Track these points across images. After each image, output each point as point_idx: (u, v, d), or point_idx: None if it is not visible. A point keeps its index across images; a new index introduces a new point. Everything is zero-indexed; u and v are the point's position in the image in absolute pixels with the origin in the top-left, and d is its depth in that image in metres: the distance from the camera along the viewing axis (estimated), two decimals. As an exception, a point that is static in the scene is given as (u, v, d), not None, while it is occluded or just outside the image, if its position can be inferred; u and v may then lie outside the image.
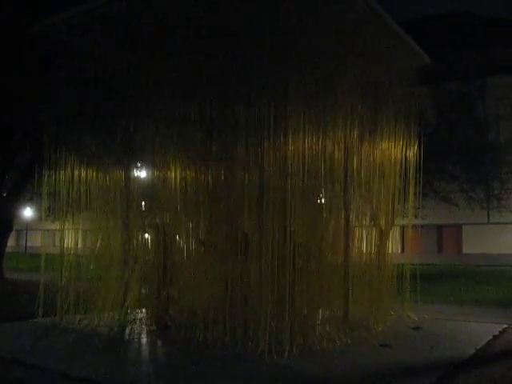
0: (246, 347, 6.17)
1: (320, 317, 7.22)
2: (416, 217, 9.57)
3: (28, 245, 51.71)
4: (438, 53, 12.21)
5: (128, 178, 8.16)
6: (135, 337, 7.24)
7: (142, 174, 8.58)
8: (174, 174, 7.62)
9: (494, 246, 30.94)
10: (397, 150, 8.62)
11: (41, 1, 11.36)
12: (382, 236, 8.45)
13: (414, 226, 9.68)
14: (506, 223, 29.38)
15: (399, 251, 8.87)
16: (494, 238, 31.13)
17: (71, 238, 8.42)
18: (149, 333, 7.43)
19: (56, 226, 8.79)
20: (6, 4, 11.91)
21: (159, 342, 7.08)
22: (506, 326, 8.36)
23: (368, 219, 8.38)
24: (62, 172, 8.17)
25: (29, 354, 6.17)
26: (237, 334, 6.38)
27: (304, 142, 6.60)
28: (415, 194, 8.79)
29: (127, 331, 7.42)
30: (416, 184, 8.79)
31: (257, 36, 6.52)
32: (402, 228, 9.12)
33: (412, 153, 8.74)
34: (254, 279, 6.47)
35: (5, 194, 16.92)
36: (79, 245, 8.46)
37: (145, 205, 8.11)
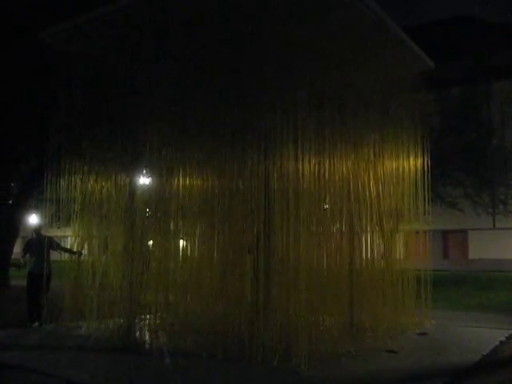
0: (252, 353, 6.14)
1: (326, 323, 7.19)
2: (427, 223, 9.47)
3: (34, 252, 51.65)
4: (442, 58, 12.20)
5: (133, 184, 8.14)
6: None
7: (146, 180, 8.58)
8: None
9: (500, 251, 30.65)
10: (405, 158, 8.62)
11: (44, 10, 11.42)
12: (388, 242, 8.40)
13: (421, 232, 9.59)
14: (512, 228, 29.21)
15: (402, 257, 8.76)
16: (500, 243, 30.84)
17: (76, 244, 8.40)
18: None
19: (61, 232, 8.79)
20: (10, 13, 11.98)
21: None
22: (512, 331, 8.31)
23: (373, 225, 8.34)
24: (67, 179, 8.18)
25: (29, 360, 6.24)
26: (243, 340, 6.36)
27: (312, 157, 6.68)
28: (425, 201, 8.76)
29: (131, 338, 7.41)
30: (425, 190, 8.76)
31: (264, 46, 6.55)
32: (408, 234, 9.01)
33: (420, 160, 8.74)
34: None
35: (11, 202, 16.97)
36: (85, 251, 8.44)
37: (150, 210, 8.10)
